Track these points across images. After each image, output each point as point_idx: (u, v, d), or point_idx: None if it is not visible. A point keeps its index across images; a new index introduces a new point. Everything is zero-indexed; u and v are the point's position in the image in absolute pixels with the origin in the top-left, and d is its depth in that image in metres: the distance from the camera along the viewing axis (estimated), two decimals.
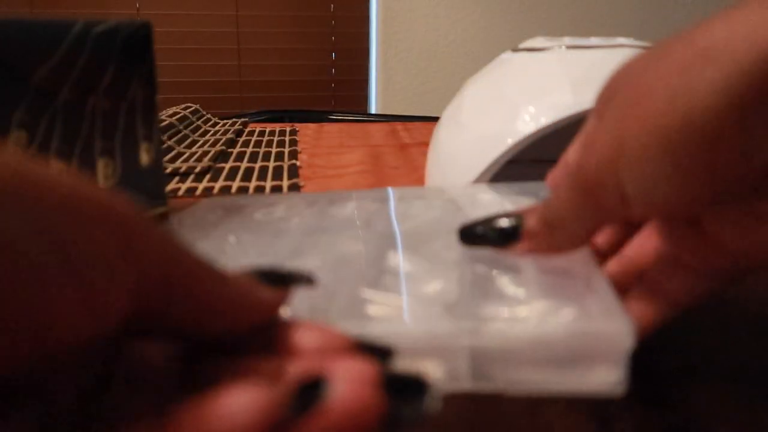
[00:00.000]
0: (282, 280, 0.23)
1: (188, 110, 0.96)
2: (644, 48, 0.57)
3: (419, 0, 1.98)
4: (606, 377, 0.25)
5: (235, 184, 0.65)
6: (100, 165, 0.42)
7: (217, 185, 0.66)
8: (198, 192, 0.63)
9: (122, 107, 0.43)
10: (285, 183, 0.65)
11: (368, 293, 0.31)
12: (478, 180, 0.51)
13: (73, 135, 0.40)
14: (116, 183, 0.43)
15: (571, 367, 0.25)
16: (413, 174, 0.69)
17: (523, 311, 0.27)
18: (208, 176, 0.69)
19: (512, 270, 0.32)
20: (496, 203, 0.45)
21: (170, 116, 0.89)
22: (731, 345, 0.34)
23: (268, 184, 0.65)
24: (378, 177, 0.68)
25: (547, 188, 0.36)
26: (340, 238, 0.41)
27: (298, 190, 0.63)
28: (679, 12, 1.08)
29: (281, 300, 0.22)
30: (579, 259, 0.31)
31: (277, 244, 0.40)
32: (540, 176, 0.52)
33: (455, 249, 0.36)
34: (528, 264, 0.33)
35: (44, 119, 0.39)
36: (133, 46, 0.43)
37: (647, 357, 0.32)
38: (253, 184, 0.65)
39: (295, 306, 0.27)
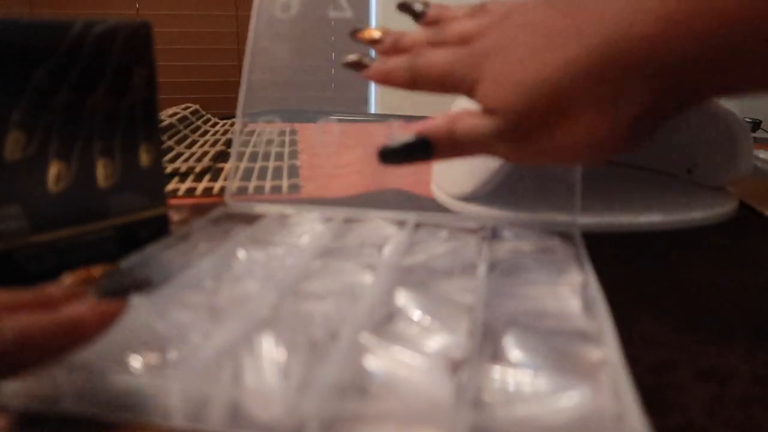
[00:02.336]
0: (120, 290, 0.28)
1: (188, 110, 0.96)
2: None
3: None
4: None
5: (235, 184, 0.64)
6: (100, 165, 0.42)
7: (217, 185, 0.65)
8: (198, 192, 0.63)
9: (122, 107, 0.42)
10: (285, 183, 0.65)
11: (370, 340, 0.30)
12: (485, 182, 0.51)
13: (73, 135, 0.40)
14: (116, 183, 0.43)
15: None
16: (413, 176, 0.69)
17: (528, 386, 0.26)
18: (208, 176, 0.69)
19: (525, 328, 0.31)
20: (516, 239, 0.45)
21: (170, 116, 0.89)
22: (729, 345, 0.34)
23: (268, 184, 0.65)
24: (378, 177, 0.68)
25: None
26: (351, 264, 0.40)
27: (298, 190, 0.63)
28: None
29: (117, 311, 0.27)
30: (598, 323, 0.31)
31: (285, 267, 0.39)
32: (542, 185, 0.52)
33: (469, 290, 0.35)
34: (540, 320, 0.32)
35: (44, 119, 0.39)
36: (133, 46, 0.43)
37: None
38: (253, 183, 0.65)
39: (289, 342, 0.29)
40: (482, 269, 0.38)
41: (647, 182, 0.62)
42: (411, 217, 0.49)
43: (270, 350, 0.29)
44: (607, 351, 0.28)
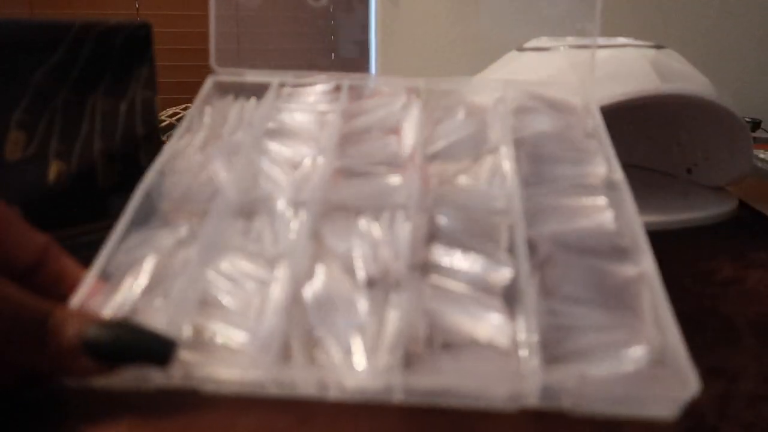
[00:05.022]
0: (117, 358, 0.26)
1: (188, 110, 0.96)
2: (644, 47, 0.57)
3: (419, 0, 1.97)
4: (664, 411, 0.27)
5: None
6: (100, 165, 0.42)
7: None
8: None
9: (122, 107, 0.42)
10: None
11: (424, 285, 0.31)
12: None
13: (73, 135, 0.40)
14: (116, 183, 0.43)
15: (634, 402, 0.27)
16: None
17: (595, 346, 0.29)
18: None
19: (567, 252, 0.33)
20: None
21: (170, 116, 0.89)
22: (736, 345, 0.34)
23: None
24: None
25: None
26: (376, 167, 0.39)
27: None
28: (679, 12, 1.07)
29: (96, 374, 0.26)
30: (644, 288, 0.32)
31: (311, 179, 0.38)
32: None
33: (503, 199, 0.36)
34: (579, 241, 0.34)
35: (44, 119, 0.39)
36: (133, 46, 0.43)
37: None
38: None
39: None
40: (510, 173, 0.37)
41: (647, 182, 0.62)
42: (420, 83, 0.45)
43: (334, 305, 0.30)
44: (643, 265, 0.31)
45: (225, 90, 0.45)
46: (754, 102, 1.01)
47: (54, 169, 0.39)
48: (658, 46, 0.57)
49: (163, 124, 0.85)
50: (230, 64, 0.45)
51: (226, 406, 0.27)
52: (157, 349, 0.26)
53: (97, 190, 0.42)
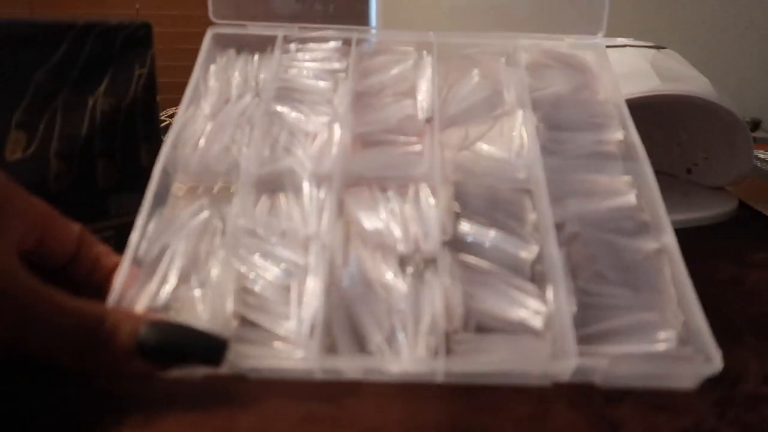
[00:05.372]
0: (171, 359, 0.27)
1: None
2: (644, 47, 0.57)
3: None
4: (686, 384, 0.29)
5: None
6: (100, 165, 0.42)
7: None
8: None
9: (122, 107, 0.42)
10: None
11: (454, 267, 0.32)
12: None
13: (73, 135, 0.40)
14: (116, 183, 0.43)
15: (661, 379, 0.29)
16: None
17: (624, 327, 0.30)
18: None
19: (591, 229, 0.34)
20: None
21: (170, 116, 0.89)
22: (737, 345, 0.34)
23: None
24: None
25: None
26: (397, 137, 0.38)
27: None
28: (679, 12, 1.07)
29: (145, 375, 0.27)
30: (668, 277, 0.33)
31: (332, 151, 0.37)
32: None
33: (525, 179, 0.36)
34: (602, 220, 0.35)
35: (44, 119, 0.39)
36: (133, 47, 0.43)
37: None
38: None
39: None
40: (530, 146, 0.37)
41: None
42: (431, 37, 0.44)
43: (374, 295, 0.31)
44: (664, 240, 0.34)
45: (225, 44, 0.43)
46: (754, 102, 1.01)
47: (54, 169, 0.39)
48: (658, 47, 0.57)
49: (163, 124, 0.85)
50: (229, 16, 0.43)
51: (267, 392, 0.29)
52: (210, 349, 0.27)
53: (97, 190, 0.42)
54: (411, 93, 0.41)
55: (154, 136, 0.45)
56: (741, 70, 1.08)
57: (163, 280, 0.31)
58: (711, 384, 0.30)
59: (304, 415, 0.27)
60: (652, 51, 0.56)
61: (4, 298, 0.24)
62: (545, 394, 0.29)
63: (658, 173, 0.60)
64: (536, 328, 0.30)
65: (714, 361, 0.28)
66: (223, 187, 0.37)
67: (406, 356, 0.28)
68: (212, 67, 0.42)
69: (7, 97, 0.37)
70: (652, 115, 0.61)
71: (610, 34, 0.55)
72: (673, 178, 0.63)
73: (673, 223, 0.53)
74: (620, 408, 0.28)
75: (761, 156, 0.75)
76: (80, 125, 0.40)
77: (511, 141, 0.38)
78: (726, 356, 0.32)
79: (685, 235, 0.52)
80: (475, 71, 0.42)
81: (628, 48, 0.56)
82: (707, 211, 0.54)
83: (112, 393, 0.28)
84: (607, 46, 0.52)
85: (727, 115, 0.53)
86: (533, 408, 0.28)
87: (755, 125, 0.95)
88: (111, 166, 0.42)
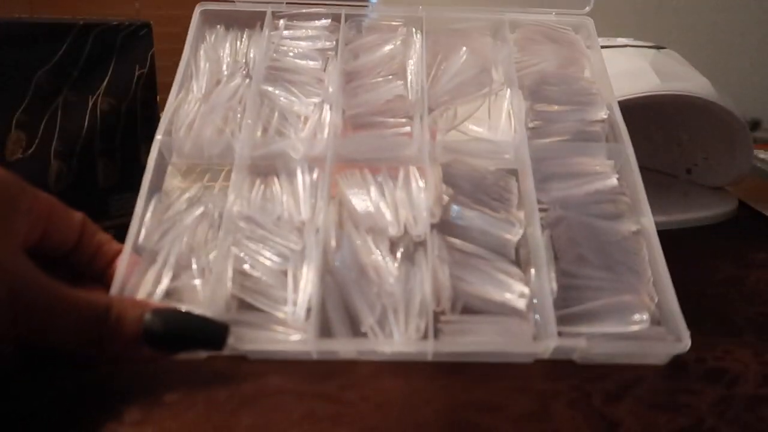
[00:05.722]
0: (176, 345, 0.28)
1: None
2: (644, 47, 0.57)
3: None
4: (656, 362, 0.31)
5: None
6: (100, 165, 0.42)
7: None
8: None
9: (122, 107, 0.43)
10: None
11: (443, 250, 0.33)
12: None
13: (73, 135, 0.40)
14: (116, 183, 0.43)
15: (634, 357, 0.31)
16: None
17: (602, 308, 0.31)
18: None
19: (576, 213, 0.35)
20: None
21: None
22: (737, 345, 0.34)
23: None
24: None
25: None
26: (387, 117, 0.39)
27: None
28: (679, 12, 1.08)
29: (150, 360, 0.28)
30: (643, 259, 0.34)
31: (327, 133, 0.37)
32: None
33: (508, 159, 0.37)
34: (586, 204, 0.35)
35: (44, 119, 0.39)
36: (133, 46, 0.43)
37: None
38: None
39: None
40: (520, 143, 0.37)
41: (647, 182, 0.62)
42: (421, 12, 0.44)
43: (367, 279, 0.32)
44: (643, 222, 0.35)
45: (214, 21, 0.43)
46: (754, 102, 1.01)
47: (54, 169, 0.39)
48: (658, 46, 0.57)
49: None
50: None
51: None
52: (212, 334, 0.28)
53: (97, 190, 0.42)
54: (401, 72, 0.41)
55: (154, 136, 0.45)
56: (741, 70, 1.08)
57: (163, 267, 0.32)
58: (711, 384, 0.30)
59: (304, 414, 0.27)
60: (652, 51, 0.56)
61: (22, 300, 0.25)
62: (545, 394, 0.29)
63: (658, 173, 0.59)
64: (520, 309, 0.31)
65: (683, 340, 0.30)
66: (217, 170, 0.38)
67: (397, 337, 0.30)
68: (202, 47, 0.41)
69: (8, 97, 0.37)
70: (652, 115, 0.61)
71: (610, 34, 0.55)
72: (673, 178, 0.63)
73: (673, 223, 0.53)
74: (619, 407, 0.28)
75: (761, 156, 0.75)
76: (80, 125, 0.40)
77: (499, 121, 0.39)
78: (726, 356, 0.32)
79: (685, 235, 0.52)
80: (464, 49, 0.42)
81: (628, 48, 0.56)
82: (707, 211, 0.54)
83: (111, 390, 0.28)
84: (607, 46, 0.52)
85: (727, 115, 0.53)
86: (533, 407, 0.28)
87: (755, 125, 0.95)
88: (111, 166, 0.42)
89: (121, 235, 0.33)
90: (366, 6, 0.45)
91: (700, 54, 0.66)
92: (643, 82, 0.51)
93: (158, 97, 0.45)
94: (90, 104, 0.41)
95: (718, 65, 0.78)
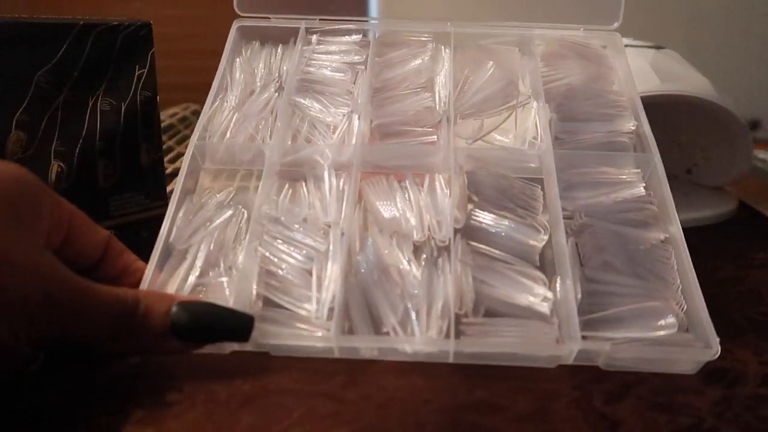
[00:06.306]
0: (203, 337, 0.28)
1: (188, 110, 0.96)
2: (644, 47, 0.57)
3: None
4: (685, 370, 0.31)
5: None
6: (100, 165, 0.42)
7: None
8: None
9: (122, 107, 0.43)
10: None
11: (467, 256, 0.33)
12: None
13: (73, 135, 0.40)
14: (116, 183, 0.43)
15: (661, 364, 0.30)
16: None
17: (628, 313, 0.31)
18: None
19: (601, 220, 0.35)
20: None
21: (170, 116, 0.89)
22: (738, 345, 0.34)
23: None
24: None
25: None
26: (417, 128, 0.39)
27: None
28: (679, 12, 1.08)
29: (178, 351, 0.28)
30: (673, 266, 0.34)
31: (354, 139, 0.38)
32: None
33: (535, 166, 0.37)
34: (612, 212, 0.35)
35: (44, 119, 0.39)
36: (133, 46, 0.43)
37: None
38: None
39: None
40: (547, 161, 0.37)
41: None
42: (449, 28, 0.45)
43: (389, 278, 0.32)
44: (671, 231, 0.35)
45: (250, 36, 0.46)
46: (754, 102, 1.01)
47: (54, 169, 0.39)
48: (658, 46, 0.57)
49: (164, 124, 0.85)
50: (254, 8, 0.46)
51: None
52: (238, 326, 0.29)
53: (97, 190, 0.42)
54: (428, 86, 0.42)
55: (154, 136, 0.45)
56: (741, 70, 1.08)
57: (192, 265, 0.33)
58: (711, 384, 0.30)
59: (305, 413, 0.27)
60: (652, 51, 0.56)
61: (57, 302, 0.25)
62: (546, 394, 0.29)
63: None
64: (543, 313, 0.31)
65: (713, 347, 0.29)
66: (247, 174, 0.39)
67: (418, 337, 0.30)
68: (238, 60, 0.44)
69: (8, 97, 0.37)
70: (651, 115, 0.61)
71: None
72: (673, 178, 0.63)
73: None
74: (620, 407, 0.28)
75: (761, 156, 0.75)
76: (80, 125, 0.40)
77: (525, 132, 0.39)
78: (726, 356, 0.32)
79: (685, 235, 0.52)
80: (490, 63, 0.42)
81: (628, 48, 0.56)
82: (707, 211, 0.54)
83: (113, 390, 0.28)
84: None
85: (727, 115, 0.53)
86: (533, 407, 0.28)
87: (755, 125, 0.95)
88: (111, 166, 0.42)
89: (121, 235, 0.33)
90: (396, 22, 0.47)
91: (700, 54, 0.66)
92: (643, 82, 0.51)
93: (158, 97, 0.45)
94: (90, 104, 0.41)
95: (718, 65, 0.78)
